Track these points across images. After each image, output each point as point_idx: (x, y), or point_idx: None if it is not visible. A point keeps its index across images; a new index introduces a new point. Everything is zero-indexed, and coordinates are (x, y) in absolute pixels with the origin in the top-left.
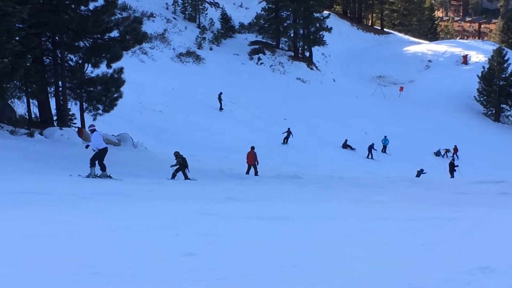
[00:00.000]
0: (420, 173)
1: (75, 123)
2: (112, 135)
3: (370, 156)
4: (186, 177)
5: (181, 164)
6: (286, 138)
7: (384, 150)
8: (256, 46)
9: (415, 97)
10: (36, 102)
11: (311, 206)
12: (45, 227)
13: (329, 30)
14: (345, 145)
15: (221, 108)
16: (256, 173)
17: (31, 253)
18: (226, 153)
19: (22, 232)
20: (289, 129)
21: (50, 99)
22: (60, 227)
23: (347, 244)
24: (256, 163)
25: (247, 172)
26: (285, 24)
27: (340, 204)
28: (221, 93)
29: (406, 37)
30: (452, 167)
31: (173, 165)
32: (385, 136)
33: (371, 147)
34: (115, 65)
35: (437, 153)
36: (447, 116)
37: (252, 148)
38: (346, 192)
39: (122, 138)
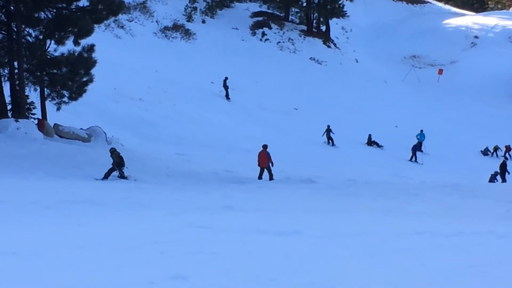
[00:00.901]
0: (494, 177)
1: (34, 114)
2: (81, 128)
3: (413, 159)
4: (122, 176)
5: (116, 163)
6: (330, 138)
7: (419, 148)
8: (260, 18)
9: (457, 82)
10: None
11: (328, 218)
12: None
13: None
14: (371, 142)
15: (227, 97)
16: (270, 177)
17: None
18: (222, 151)
19: None
20: (328, 126)
21: (3, 83)
22: (18, 243)
23: (374, 265)
24: (270, 164)
25: (260, 177)
26: None
27: (365, 216)
28: (226, 78)
29: (447, 7)
30: (504, 170)
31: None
32: (421, 131)
33: (415, 148)
34: (84, 42)
35: (485, 152)
36: (497, 106)
37: (264, 147)
38: (372, 201)
39: (93, 132)
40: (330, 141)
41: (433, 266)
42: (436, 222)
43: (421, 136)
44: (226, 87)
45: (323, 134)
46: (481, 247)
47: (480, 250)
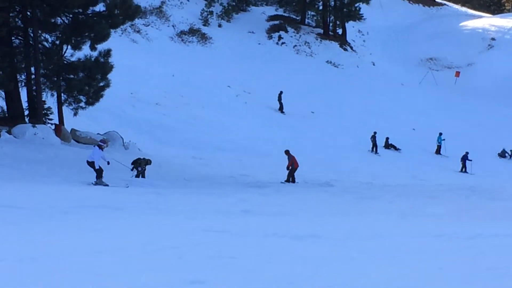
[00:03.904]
0: None
1: (51, 119)
2: (98, 133)
3: (463, 169)
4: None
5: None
6: (375, 145)
7: (438, 151)
8: (276, 22)
9: (474, 84)
10: (3, 93)
11: (346, 221)
12: (18, 248)
13: (367, 1)
14: (388, 145)
15: (282, 110)
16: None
17: (1, 281)
18: (239, 155)
19: None
20: (375, 133)
21: (20, 89)
22: (37, 248)
23: (392, 268)
24: (290, 167)
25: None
26: None
27: (383, 218)
28: (281, 92)
29: (463, 9)
30: None
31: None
32: (440, 134)
33: (465, 158)
34: (101, 47)
35: (502, 154)
36: None
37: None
38: (390, 203)
39: (110, 137)
40: (374, 148)
41: (451, 269)
42: (454, 224)
43: (439, 139)
44: (280, 101)
45: (372, 137)
46: (499, 249)
47: (499, 252)
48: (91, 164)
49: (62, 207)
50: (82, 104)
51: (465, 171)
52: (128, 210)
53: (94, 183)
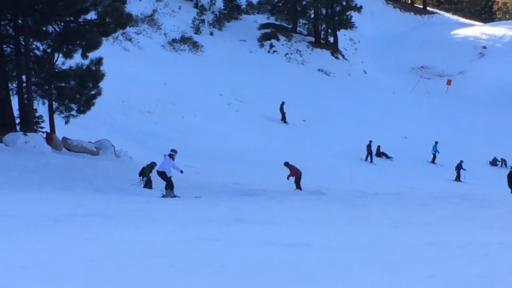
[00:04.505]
0: None
1: (42, 127)
2: (89, 142)
3: (457, 178)
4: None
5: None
6: (370, 153)
7: (433, 160)
8: (268, 30)
9: (466, 92)
10: None
11: (337, 230)
12: (9, 257)
13: (358, 9)
14: (379, 153)
15: (285, 121)
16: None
17: None
18: (231, 163)
19: None
20: (370, 142)
21: (11, 97)
22: (28, 257)
23: (383, 276)
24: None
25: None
26: (304, 3)
27: (374, 227)
28: (283, 102)
29: (455, 17)
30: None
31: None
32: (436, 142)
33: (459, 167)
34: (92, 55)
35: (493, 162)
36: (506, 116)
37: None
38: (381, 212)
39: (102, 145)
40: (369, 156)
41: (442, 277)
42: (445, 232)
43: (435, 148)
44: (283, 111)
45: (367, 148)
46: (491, 257)
47: (490, 260)
48: (161, 174)
49: (53, 216)
50: (73, 112)
51: (459, 180)
52: (120, 218)
53: (162, 195)
